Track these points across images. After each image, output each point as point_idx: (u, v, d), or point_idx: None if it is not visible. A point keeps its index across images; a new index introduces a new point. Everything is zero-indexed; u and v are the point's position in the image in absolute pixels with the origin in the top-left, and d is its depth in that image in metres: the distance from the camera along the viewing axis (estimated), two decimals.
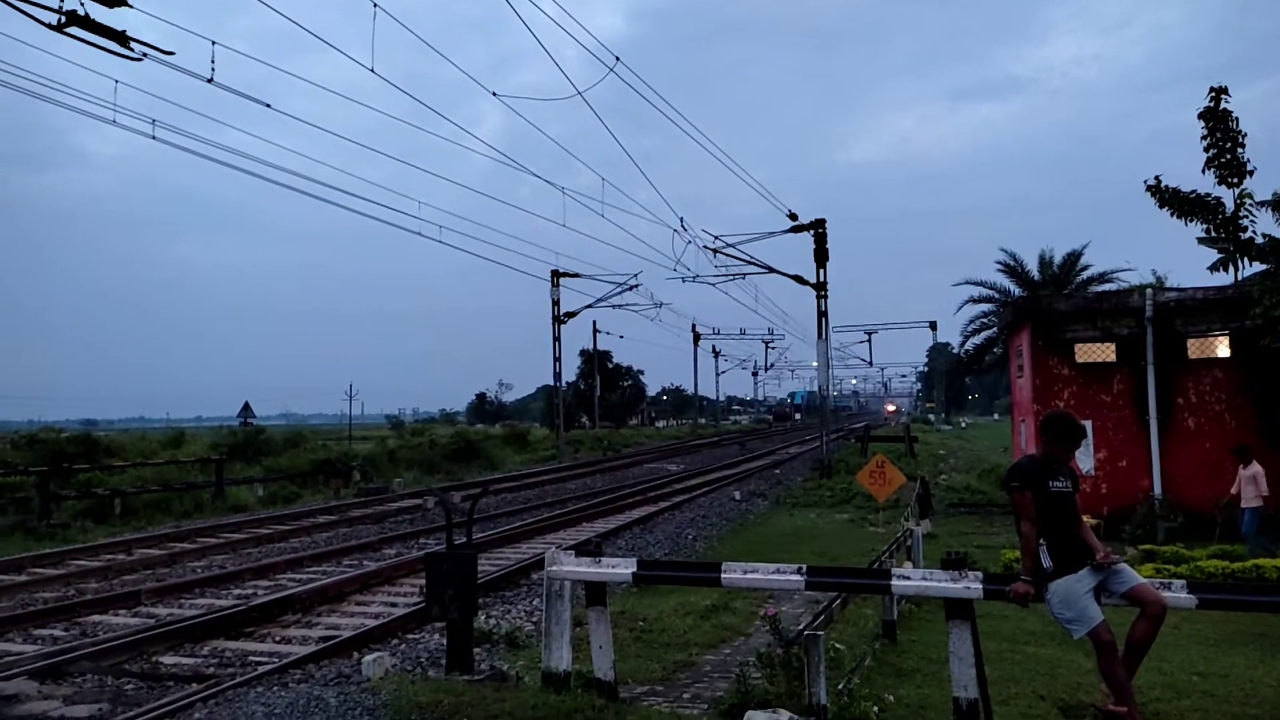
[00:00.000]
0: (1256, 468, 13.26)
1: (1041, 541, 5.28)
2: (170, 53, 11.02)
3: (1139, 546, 12.67)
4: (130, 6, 10.18)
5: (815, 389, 74.46)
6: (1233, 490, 13.37)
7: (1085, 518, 5.60)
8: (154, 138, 15.25)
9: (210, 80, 13.11)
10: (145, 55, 10.71)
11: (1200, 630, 8.87)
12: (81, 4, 9.88)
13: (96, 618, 10.36)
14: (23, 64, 12.69)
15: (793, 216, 29.67)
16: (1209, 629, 8.88)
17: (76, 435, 29.88)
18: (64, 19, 9.87)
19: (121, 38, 10.31)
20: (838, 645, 7.19)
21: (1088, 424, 16.71)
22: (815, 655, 5.63)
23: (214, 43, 12.97)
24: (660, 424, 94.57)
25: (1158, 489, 15.85)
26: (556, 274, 41.25)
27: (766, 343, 78.54)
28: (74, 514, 19.48)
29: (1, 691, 7.36)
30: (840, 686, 6.22)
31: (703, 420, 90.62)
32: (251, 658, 8.51)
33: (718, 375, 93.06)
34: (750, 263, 32.12)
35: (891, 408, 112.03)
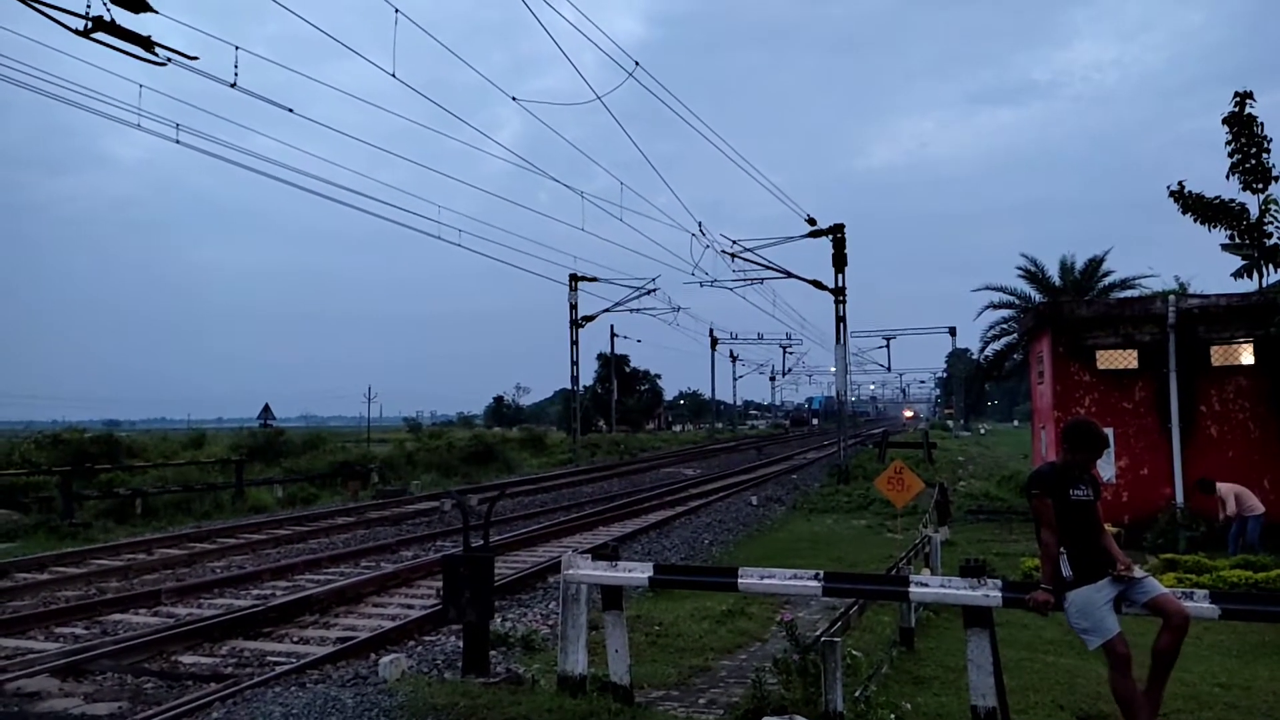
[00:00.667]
0: (1225, 487, 13.49)
1: (1062, 550, 5.22)
2: (194, 58, 11.14)
3: (1160, 555, 12.54)
4: (155, 12, 10.30)
5: (833, 394, 74.25)
6: (1226, 514, 13.60)
7: (1106, 526, 5.54)
8: (178, 141, 15.43)
9: (234, 85, 13.24)
10: (170, 60, 10.83)
11: (1223, 641, 8.76)
12: (107, 9, 10.01)
13: (117, 616, 10.46)
14: (49, 69, 12.87)
15: (811, 221, 29.62)
16: (1231, 640, 8.78)
17: (99, 436, 30.16)
18: (90, 24, 9.99)
19: (146, 43, 10.43)
20: (854, 652, 7.15)
21: (1109, 431, 16.59)
22: (832, 662, 5.61)
23: (237, 48, 13.10)
24: (677, 428, 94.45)
25: (1180, 497, 15.69)
26: (574, 278, 41.31)
27: (784, 347, 78.25)
28: (96, 513, 19.67)
29: (24, 689, 7.45)
30: (857, 694, 6.19)
31: (720, 425, 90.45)
32: (269, 658, 8.57)
33: (735, 380, 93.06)
34: (768, 267, 32.07)
35: (909, 414, 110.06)
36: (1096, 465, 5.57)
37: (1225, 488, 13.77)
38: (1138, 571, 5.23)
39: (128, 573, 13.40)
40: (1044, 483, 5.36)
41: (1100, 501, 5.42)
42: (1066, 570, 5.20)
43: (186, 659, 8.61)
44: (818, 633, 6.58)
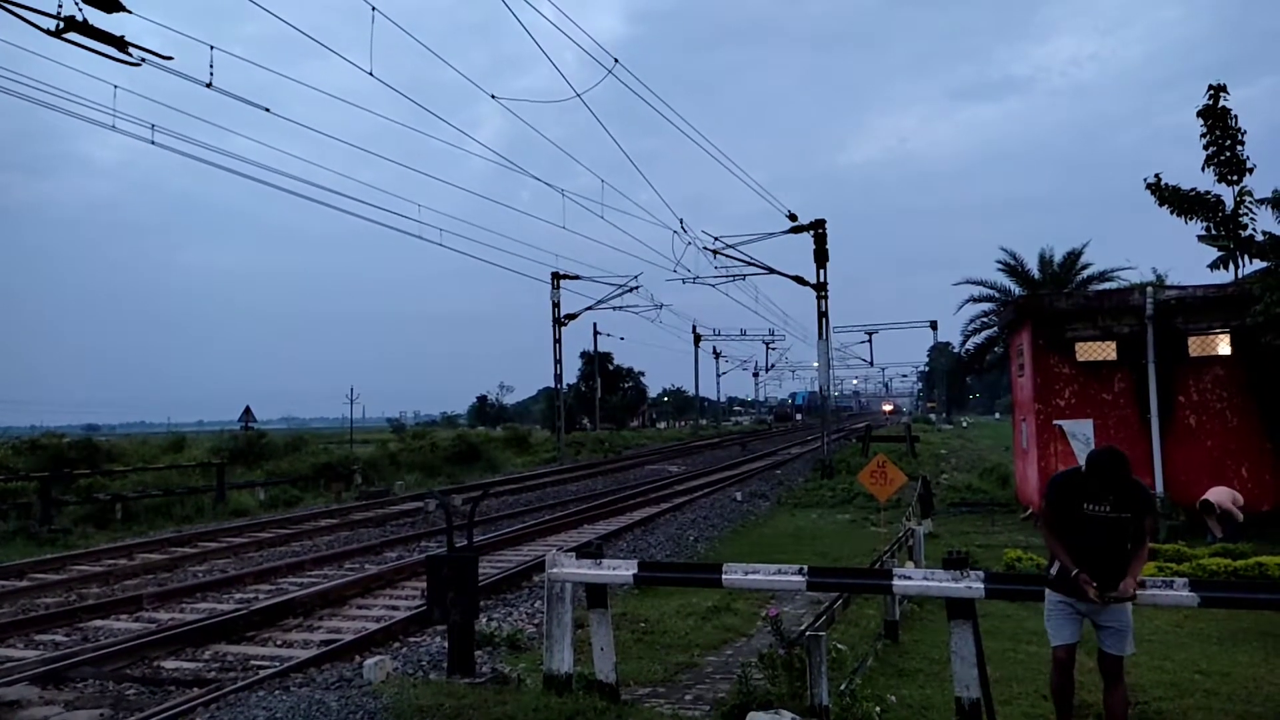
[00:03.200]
0: (1221, 496, 13.76)
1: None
2: (169, 58, 11.03)
3: None
4: (129, 12, 10.19)
5: (816, 389, 74.49)
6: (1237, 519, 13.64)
7: None
8: (153, 143, 15.26)
9: (209, 85, 13.12)
10: (144, 60, 10.72)
11: (1203, 629, 8.85)
12: (79, 9, 9.89)
13: (98, 623, 10.36)
14: (22, 70, 12.71)
15: (792, 217, 29.67)
16: (1211, 627, 8.87)
17: (78, 440, 29.83)
18: (62, 24, 9.88)
19: (120, 43, 10.32)
20: (839, 646, 7.17)
21: (1088, 423, 16.73)
22: (817, 656, 5.63)
23: (212, 47, 12.98)
24: (661, 425, 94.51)
25: (1160, 487, 15.84)
26: (557, 276, 41.22)
27: (767, 343, 78.49)
28: (75, 519, 19.47)
29: (3, 697, 7.36)
30: (842, 687, 6.21)
31: (704, 421, 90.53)
32: (253, 662, 8.51)
33: (719, 376, 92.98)
34: (750, 264, 32.12)
35: (889, 407, 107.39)
36: (1075, 455, 5.58)
37: (1221, 497, 13.75)
38: (1114, 616, 5.18)
39: (108, 578, 13.27)
40: (1055, 491, 5.43)
41: (1150, 515, 5.32)
42: (1051, 569, 5.31)
43: (169, 664, 8.53)
44: (803, 627, 6.60)
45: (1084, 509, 5.21)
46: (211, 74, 13.08)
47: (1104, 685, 5.31)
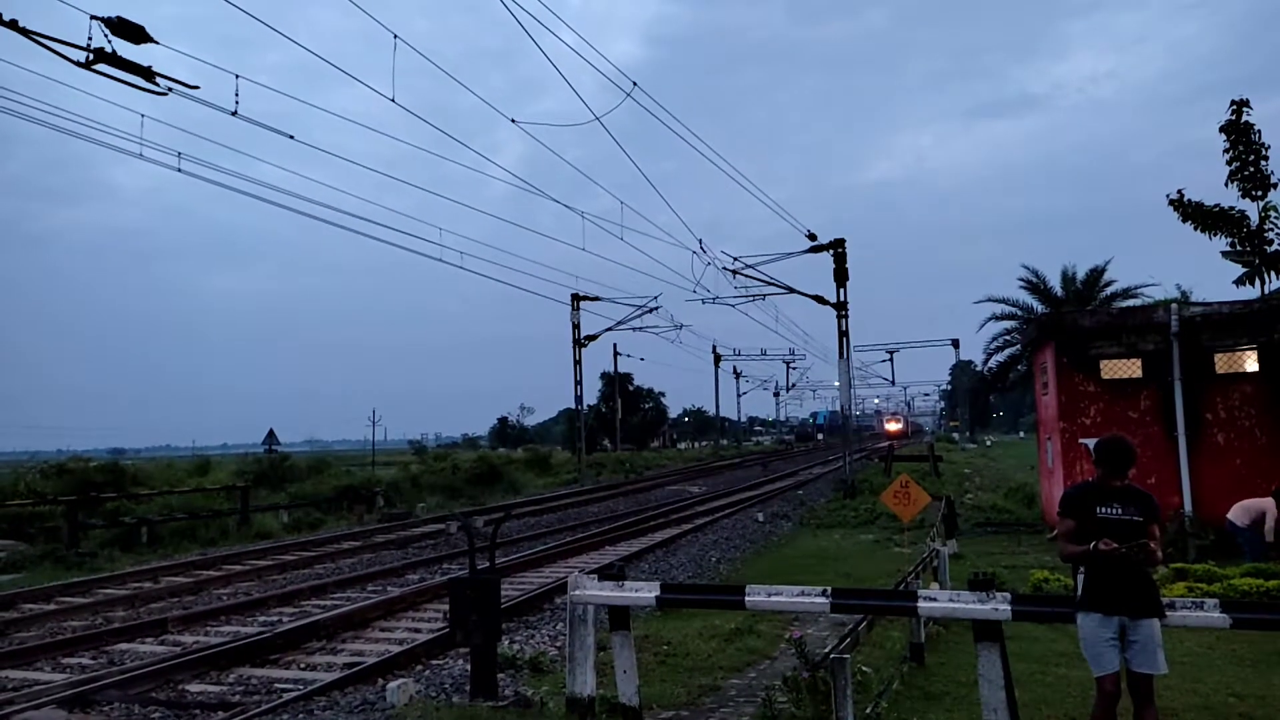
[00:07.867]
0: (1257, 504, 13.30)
1: (1081, 570, 5.22)
2: (195, 87, 11.25)
3: (1170, 565, 12.46)
4: (156, 43, 10.41)
5: (837, 409, 74.12)
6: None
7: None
8: (180, 170, 15.51)
9: (234, 113, 13.33)
10: (171, 90, 10.93)
11: (1236, 650, 8.70)
12: (109, 41, 10.12)
13: (124, 646, 10.43)
14: (53, 101, 12.97)
15: (812, 237, 29.70)
16: (1245, 649, 8.71)
17: (104, 464, 30.12)
18: (92, 56, 10.11)
19: (147, 73, 10.54)
20: (864, 668, 7.11)
21: None
22: (842, 679, 5.57)
23: (238, 76, 13.19)
24: (682, 446, 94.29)
25: (1188, 506, 15.62)
26: (576, 297, 41.37)
27: (788, 363, 78.42)
28: (101, 543, 19.65)
29: None
30: (868, 710, 6.15)
31: (724, 442, 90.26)
32: (277, 685, 8.53)
33: (739, 396, 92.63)
34: (770, 283, 32.12)
35: (894, 426, 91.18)
36: (1130, 481, 5.39)
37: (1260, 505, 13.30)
38: (1143, 631, 5.06)
39: (134, 602, 13.37)
40: (1067, 501, 5.40)
41: (1155, 523, 5.25)
42: (1078, 590, 5.20)
43: (194, 688, 8.57)
44: (827, 649, 6.54)
45: (1097, 513, 5.20)
46: (237, 102, 13.30)
47: (1134, 708, 5.15)
